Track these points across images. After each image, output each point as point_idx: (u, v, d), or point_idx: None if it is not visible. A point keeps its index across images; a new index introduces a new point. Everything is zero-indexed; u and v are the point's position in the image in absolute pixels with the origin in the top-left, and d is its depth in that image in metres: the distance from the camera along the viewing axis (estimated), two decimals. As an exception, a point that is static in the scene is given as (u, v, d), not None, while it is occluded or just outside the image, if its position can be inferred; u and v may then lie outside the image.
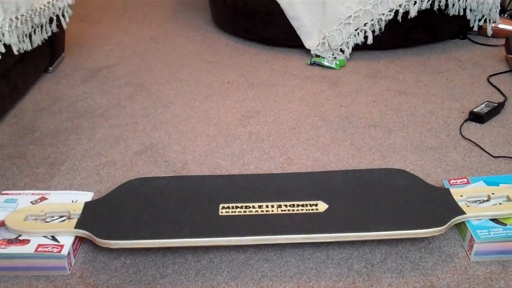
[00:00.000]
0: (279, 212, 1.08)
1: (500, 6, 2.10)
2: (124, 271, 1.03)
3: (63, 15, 1.85)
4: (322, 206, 1.09)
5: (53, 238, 1.05)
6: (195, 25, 2.51)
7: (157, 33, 2.42)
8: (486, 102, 1.60)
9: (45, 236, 1.05)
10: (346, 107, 1.66)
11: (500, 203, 1.09)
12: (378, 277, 1.00)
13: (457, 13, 1.98)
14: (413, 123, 1.55)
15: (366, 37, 1.95)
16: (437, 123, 1.55)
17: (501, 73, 1.86)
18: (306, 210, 1.08)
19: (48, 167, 1.38)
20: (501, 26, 2.15)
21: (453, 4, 1.96)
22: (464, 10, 1.99)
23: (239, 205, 1.10)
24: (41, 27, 1.73)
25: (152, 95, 1.79)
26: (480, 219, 1.05)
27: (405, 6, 1.90)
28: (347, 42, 1.97)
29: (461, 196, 1.11)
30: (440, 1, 1.93)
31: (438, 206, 1.08)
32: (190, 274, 1.02)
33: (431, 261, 1.03)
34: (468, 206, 1.08)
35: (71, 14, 1.90)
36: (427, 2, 1.91)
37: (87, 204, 1.13)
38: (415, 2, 1.90)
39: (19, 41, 1.57)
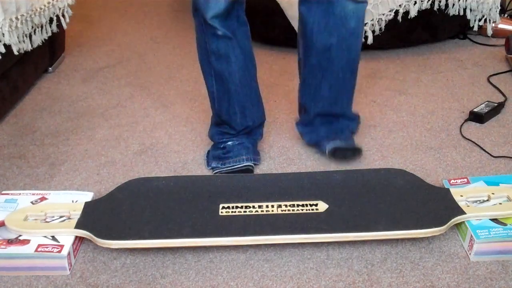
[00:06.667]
0: (279, 212, 1.08)
1: (500, 6, 2.09)
2: (124, 271, 1.03)
3: (63, 15, 1.85)
4: (322, 206, 1.09)
5: (53, 238, 1.05)
6: (195, 25, 2.50)
7: (157, 33, 2.42)
8: (486, 102, 1.60)
9: (45, 236, 1.05)
10: (346, 107, 1.65)
11: (500, 203, 1.09)
12: (378, 277, 1.00)
13: (457, 13, 1.98)
14: (413, 123, 1.55)
15: (366, 37, 1.95)
16: (437, 123, 1.55)
17: (501, 73, 1.86)
18: (306, 210, 1.08)
19: (48, 167, 1.38)
20: (501, 26, 2.15)
21: (453, 4, 1.96)
22: (464, 10, 1.99)
23: (239, 205, 1.10)
24: (41, 27, 1.73)
25: (152, 95, 1.79)
26: (480, 219, 1.05)
27: (405, 6, 1.90)
28: (347, 42, 1.97)
29: (461, 196, 1.11)
30: (440, 1, 1.93)
31: (438, 206, 1.08)
32: (190, 274, 1.02)
33: (431, 261, 1.03)
34: (468, 206, 1.08)
35: (71, 14, 1.90)
36: (427, 2, 1.91)
37: (87, 204, 1.13)
38: (415, 2, 1.90)
39: (19, 41, 1.57)
